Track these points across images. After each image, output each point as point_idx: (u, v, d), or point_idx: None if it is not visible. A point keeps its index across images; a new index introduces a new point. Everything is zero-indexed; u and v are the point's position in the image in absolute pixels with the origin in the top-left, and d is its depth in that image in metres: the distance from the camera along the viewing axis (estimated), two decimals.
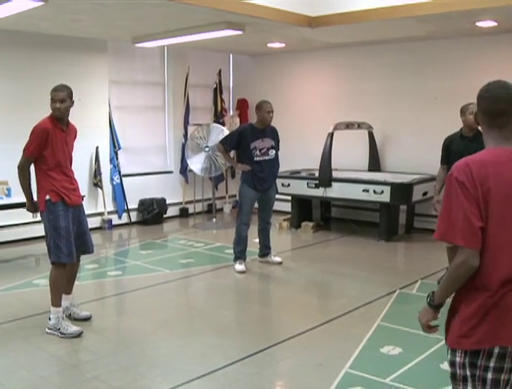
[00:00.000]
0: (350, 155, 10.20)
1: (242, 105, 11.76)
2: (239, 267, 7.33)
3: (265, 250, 7.74)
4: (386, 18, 7.56)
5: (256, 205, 7.62)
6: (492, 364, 2.34)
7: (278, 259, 7.71)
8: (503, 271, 2.33)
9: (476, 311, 2.35)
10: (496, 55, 8.90)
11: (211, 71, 11.38)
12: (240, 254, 7.41)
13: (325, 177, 9.24)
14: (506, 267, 2.33)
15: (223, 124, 10.87)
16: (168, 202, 10.70)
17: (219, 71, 11.43)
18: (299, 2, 7.90)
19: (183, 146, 10.75)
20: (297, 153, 10.65)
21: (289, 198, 10.01)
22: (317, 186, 9.36)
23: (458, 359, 2.40)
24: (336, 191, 9.22)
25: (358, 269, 7.48)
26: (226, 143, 7.48)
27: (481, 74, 8.92)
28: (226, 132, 9.57)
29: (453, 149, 6.30)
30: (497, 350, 2.33)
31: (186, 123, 10.92)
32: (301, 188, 9.64)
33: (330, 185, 9.22)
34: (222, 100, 11.51)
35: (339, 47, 10.26)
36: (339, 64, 10.58)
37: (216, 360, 4.65)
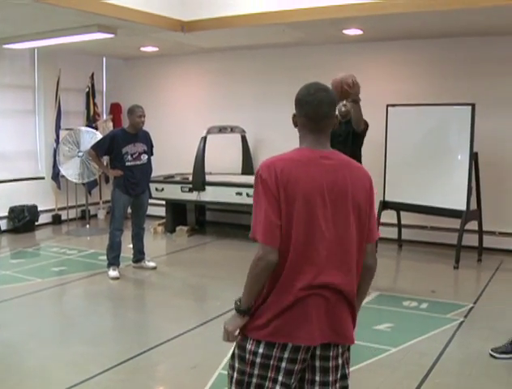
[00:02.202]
0: (223, 158, 10.30)
1: (115, 110, 11.60)
2: (113, 273, 7.24)
3: (139, 256, 7.67)
4: (257, 24, 7.74)
5: (130, 210, 7.55)
6: (286, 355, 2.36)
7: (152, 264, 7.68)
8: (304, 274, 2.36)
9: (275, 309, 2.36)
10: (362, 62, 9.29)
11: (84, 75, 11.13)
12: (113, 261, 7.31)
13: (198, 180, 9.29)
14: (307, 271, 2.36)
15: (96, 128, 10.66)
16: (40, 209, 10.38)
17: (92, 75, 11.22)
18: (172, 6, 7.91)
19: (55, 151, 10.47)
20: (171, 157, 10.63)
21: (163, 202, 10.00)
22: (191, 190, 9.39)
23: (249, 346, 2.41)
24: (210, 195, 9.29)
25: (233, 271, 7.56)
26: (98, 149, 7.36)
27: None
28: (99, 136, 9.42)
29: None
30: (290, 345, 2.36)
31: (58, 128, 10.62)
32: (175, 192, 9.64)
33: (203, 189, 9.28)
34: (95, 104, 11.29)
35: (212, 51, 10.34)
36: (213, 68, 10.67)
37: (89, 368, 4.57)
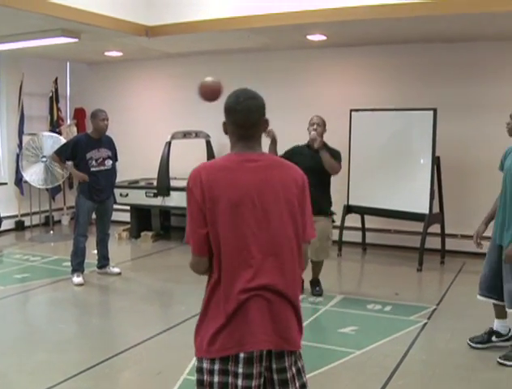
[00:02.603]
0: (188, 163, 10.13)
1: (79, 114, 11.49)
2: (77, 279, 7.17)
3: (103, 261, 7.62)
4: (222, 29, 7.76)
5: (94, 216, 7.50)
6: (240, 370, 2.33)
7: (117, 270, 7.63)
8: (241, 277, 2.35)
9: (219, 319, 2.36)
10: (326, 67, 9.40)
11: (47, 79, 11.01)
12: (77, 267, 7.25)
13: (163, 186, 9.27)
14: (244, 274, 2.36)
15: (59, 133, 10.57)
16: (2, 215, 10.21)
17: (56, 79, 11.10)
18: (136, 11, 7.89)
19: (18, 156, 10.34)
20: (136, 162, 10.57)
21: (128, 207, 9.94)
22: (155, 196, 9.36)
23: (205, 365, 2.39)
24: (175, 200, 9.25)
25: (197, 276, 7.52)
26: (61, 154, 7.30)
27: (313, 85, 9.43)
28: (62, 141, 9.33)
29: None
30: (242, 355, 2.33)
31: (21, 133, 10.49)
32: (140, 197, 9.60)
33: (168, 194, 9.25)
34: (58, 109, 11.17)
35: (176, 56, 10.33)
36: (177, 73, 10.63)
37: (53, 376, 4.51)
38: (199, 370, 2.42)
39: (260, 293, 2.36)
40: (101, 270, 7.63)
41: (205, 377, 2.39)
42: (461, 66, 8.56)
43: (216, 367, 2.36)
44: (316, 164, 6.24)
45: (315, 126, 6.34)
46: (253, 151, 2.49)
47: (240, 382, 2.33)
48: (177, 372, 4.53)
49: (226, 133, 2.54)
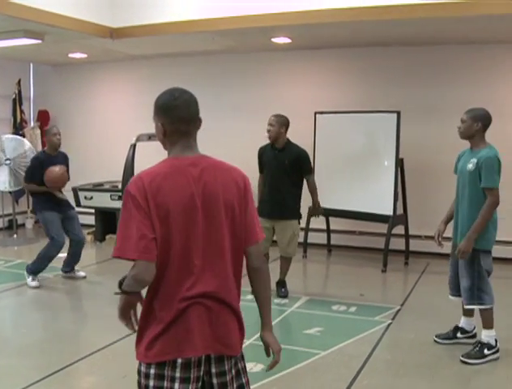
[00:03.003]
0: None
1: (43, 117, 11.36)
2: (34, 283, 7.11)
3: (70, 266, 7.54)
4: (186, 31, 7.74)
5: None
6: (178, 374, 2.33)
7: (82, 274, 7.57)
8: (183, 285, 2.35)
9: (159, 326, 2.35)
10: (291, 69, 9.45)
11: (10, 81, 10.86)
12: (38, 272, 7.17)
13: None
14: (185, 281, 2.35)
15: (23, 136, 10.45)
16: None
17: (19, 81, 10.96)
18: (101, 12, 7.84)
19: None
20: (100, 165, 10.50)
21: (93, 210, 9.85)
22: (120, 198, 9.30)
23: (142, 369, 2.39)
24: None
25: None
26: (33, 178, 7.18)
27: (278, 87, 9.47)
28: (26, 143, 9.25)
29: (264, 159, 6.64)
30: (180, 361, 2.33)
31: None
32: (105, 200, 9.52)
33: None
34: (22, 111, 11.03)
35: (141, 58, 10.29)
36: (142, 75, 10.59)
37: (15, 381, 4.47)
38: (138, 373, 2.42)
39: (199, 301, 2.35)
40: (67, 274, 7.55)
41: (142, 380, 2.39)
42: (424, 70, 8.67)
43: (152, 371, 2.35)
44: (279, 163, 6.36)
45: (268, 127, 6.47)
46: (193, 153, 2.48)
47: (177, 385, 2.32)
48: None
49: (164, 136, 2.50)
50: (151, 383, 2.34)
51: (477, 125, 4.87)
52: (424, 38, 8.13)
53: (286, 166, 6.42)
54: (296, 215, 6.61)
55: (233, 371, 2.46)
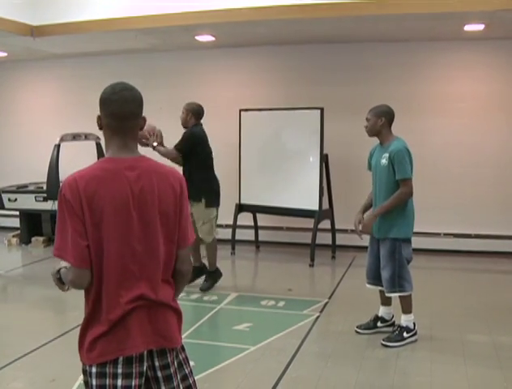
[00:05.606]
0: (78, 166, 9.76)
1: None
2: None
3: None
4: (107, 29, 7.70)
5: None
6: (120, 370, 2.34)
7: None
8: (122, 289, 2.35)
9: (100, 328, 2.35)
10: (215, 67, 9.48)
11: None
12: None
13: (53, 189, 9.02)
14: (124, 285, 2.35)
15: None
16: None
17: None
18: (21, 10, 7.68)
19: None
20: (24, 166, 10.27)
21: (17, 213, 9.65)
22: (45, 200, 9.14)
23: (87, 368, 2.39)
24: None
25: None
26: None
27: (202, 86, 9.47)
28: None
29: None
30: (121, 358, 2.34)
31: None
32: (29, 202, 9.34)
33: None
34: None
35: (64, 57, 10.12)
36: (66, 74, 10.42)
37: None
38: (83, 372, 2.44)
39: (138, 303, 2.37)
40: None
41: (87, 379, 2.40)
42: (347, 67, 8.86)
43: (94, 370, 2.35)
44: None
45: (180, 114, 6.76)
46: (130, 153, 2.44)
47: (119, 382, 2.33)
48: (72, 378, 4.44)
49: (100, 128, 2.47)
50: (94, 382, 2.35)
51: (381, 120, 5.13)
52: (346, 36, 8.32)
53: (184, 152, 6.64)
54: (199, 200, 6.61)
55: (176, 363, 2.49)
